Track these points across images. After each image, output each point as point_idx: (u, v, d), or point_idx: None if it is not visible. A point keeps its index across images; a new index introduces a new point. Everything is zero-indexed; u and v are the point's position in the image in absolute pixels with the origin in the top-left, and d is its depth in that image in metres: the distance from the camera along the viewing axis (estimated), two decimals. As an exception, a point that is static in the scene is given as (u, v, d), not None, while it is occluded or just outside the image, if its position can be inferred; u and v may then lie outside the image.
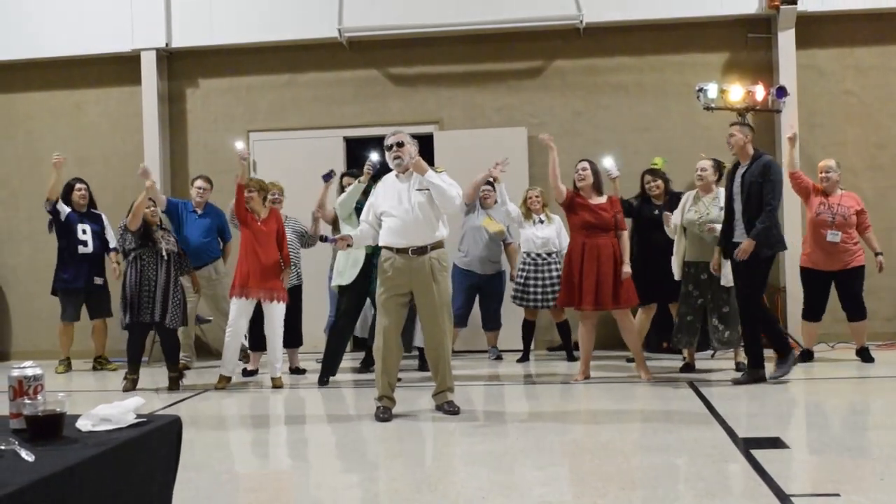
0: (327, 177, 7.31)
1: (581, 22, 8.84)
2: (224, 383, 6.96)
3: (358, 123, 9.32)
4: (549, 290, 7.71)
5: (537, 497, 3.66)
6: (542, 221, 7.91)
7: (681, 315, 6.86)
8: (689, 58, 9.01)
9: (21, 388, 2.43)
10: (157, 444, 2.53)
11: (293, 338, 7.57)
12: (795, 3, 8.56)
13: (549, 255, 7.83)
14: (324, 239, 5.86)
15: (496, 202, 8.14)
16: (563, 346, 8.21)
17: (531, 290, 7.82)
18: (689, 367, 7.05)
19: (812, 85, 8.83)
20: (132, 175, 9.26)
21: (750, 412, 5.42)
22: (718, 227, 6.57)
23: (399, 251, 5.44)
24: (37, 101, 9.78)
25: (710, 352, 7.52)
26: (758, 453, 4.18)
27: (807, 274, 7.40)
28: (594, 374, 6.92)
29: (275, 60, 9.45)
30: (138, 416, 2.54)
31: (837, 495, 3.47)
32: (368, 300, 7.07)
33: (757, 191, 6.18)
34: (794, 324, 8.41)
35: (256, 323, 7.14)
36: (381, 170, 6.28)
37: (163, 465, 2.57)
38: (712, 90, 7.73)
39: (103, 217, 8.56)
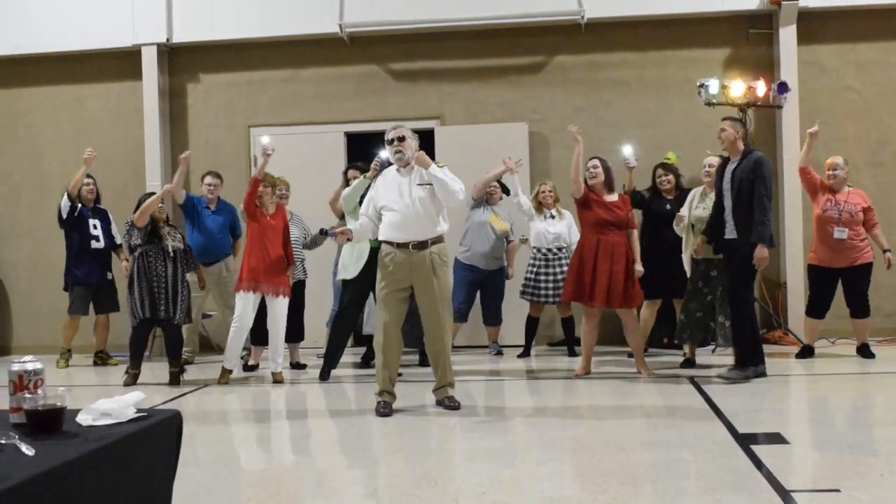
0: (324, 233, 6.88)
1: (583, 17, 8.82)
2: (226, 378, 6.97)
3: (359, 119, 9.31)
4: (560, 285, 7.71)
5: (538, 492, 3.67)
6: (553, 217, 7.90)
7: (689, 311, 6.85)
8: (690, 53, 8.99)
9: (21, 383, 2.43)
10: (158, 438, 2.53)
11: (295, 333, 7.58)
12: (797, 0, 8.55)
13: (560, 249, 7.82)
14: (324, 232, 5.86)
15: (501, 199, 8.16)
16: (564, 342, 8.21)
17: (542, 285, 7.81)
18: (689, 362, 7.06)
19: (813, 81, 8.81)
20: (133, 170, 9.32)
21: (750, 408, 5.42)
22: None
23: (399, 246, 5.44)
24: (37, 95, 9.78)
25: (710, 347, 7.53)
26: (758, 449, 4.19)
27: (814, 271, 7.38)
28: (595, 370, 6.93)
29: (276, 56, 9.44)
30: (139, 410, 2.54)
31: (837, 491, 3.47)
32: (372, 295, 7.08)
33: (748, 188, 6.14)
34: (795, 319, 8.42)
35: (258, 317, 7.14)
36: (389, 168, 6.27)
37: (163, 459, 2.57)
38: (714, 86, 7.73)
39: (108, 212, 8.58)
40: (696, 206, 6.88)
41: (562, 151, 8.96)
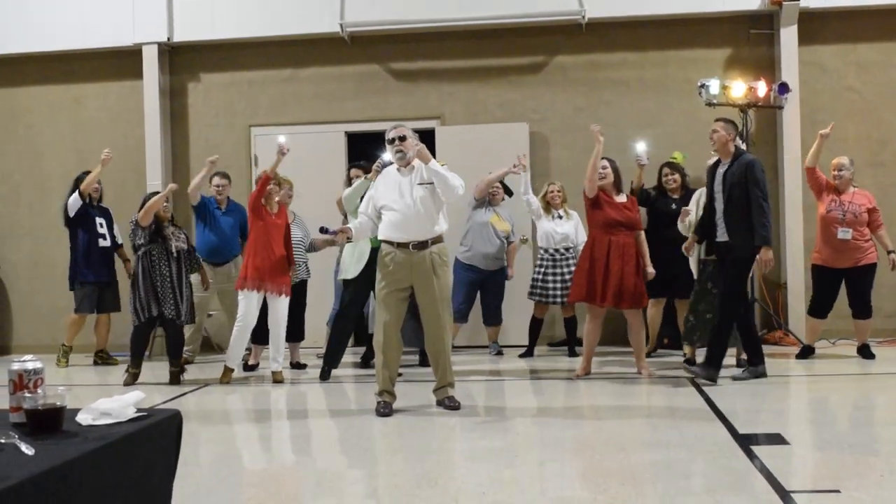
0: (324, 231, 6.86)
1: (583, 17, 8.82)
2: (228, 377, 6.97)
3: (359, 118, 9.31)
4: (567, 285, 7.71)
5: (537, 492, 3.66)
6: (560, 217, 7.90)
7: (698, 312, 6.84)
8: (691, 54, 8.99)
9: (21, 382, 2.43)
10: (158, 438, 2.52)
11: (295, 332, 7.58)
12: (798, 0, 8.54)
13: (567, 250, 7.81)
14: (323, 231, 5.85)
15: (504, 200, 8.15)
16: (565, 342, 8.20)
17: (550, 285, 7.79)
18: (690, 362, 7.05)
19: (814, 81, 8.81)
20: (133, 170, 9.32)
21: (751, 408, 5.42)
22: None
23: (400, 246, 5.43)
24: (36, 95, 9.77)
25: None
26: (758, 449, 4.18)
27: (817, 271, 7.37)
28: (596, 370, 6.93)
29: (276, 55, 9.44)
30: (139, 410, 2.53)
31: (838, 492, 3.47)
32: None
33: (739, 191, 6.12)
34: (796, 320, 8.43)
35: (259, 317, 7.14)
36: (389, 167, 6.26)
37: (163, 459, 2.57)
38: (714, 86, 7.72)
39: (110, 211, 8.59)
40: (702, 207, 6.88)
41: (562, 151, 8.96)
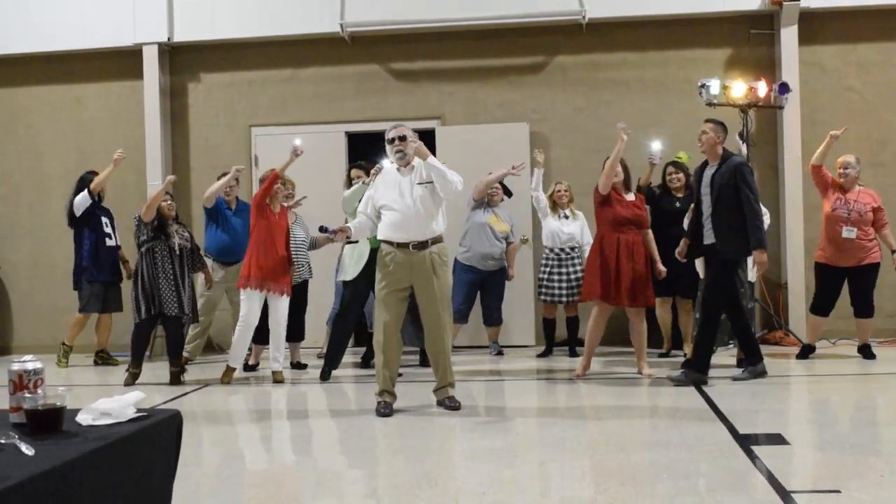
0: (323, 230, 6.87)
1: (583, 17, 8.82)
2: (229, 377, 6.96)
3: (360, 119, 9.30)
4: (573, 284, 7.71)
5: (537, 493, 3.66)
6: (567, 217, 7.89)
7: None
8: (691, 54, 8.99)
9: (21, 382, 2.43)
10: (158, 438, 2.52)
11: (295, 332, 7.58)
12: (798, 0, 8.54)
13: (573, 249, 7.81)
14: (323, 230, 5.85)
15: (503, 200, 8.15)
16: (566, 342, 8.19)
17: (555, 285, 7.80)
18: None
19: (814, 81, 8.81)
20: (133, 170, 9.31)
21: (751, 409, 5.42)
22: None
23: (400, 246, 5.43)
24: (37, 95, 9.77)
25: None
26: (759, 450, 4.18)
27: (820, 269, 7.37)
28: (596, 370, 6.92)
29: (276, 55, 9.44)
30: (139, 410, 2.53)
31: (838, 492, 3.47)
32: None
33: (728, 194, 6.11)
34: (796, 320, 8.43)
35: (260, 316, 7.14)
36: (389, 167, 6.25)
37: (163, 459, 2.56)
38: (715, 86, 7.72)
39: (111, 211, 8.59)
40: None
41: (562, 151, 8.96)
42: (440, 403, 5.60)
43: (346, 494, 3.81)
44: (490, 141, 8.73)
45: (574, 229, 7.85)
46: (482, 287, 8.10)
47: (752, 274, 6.67)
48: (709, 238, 6.27)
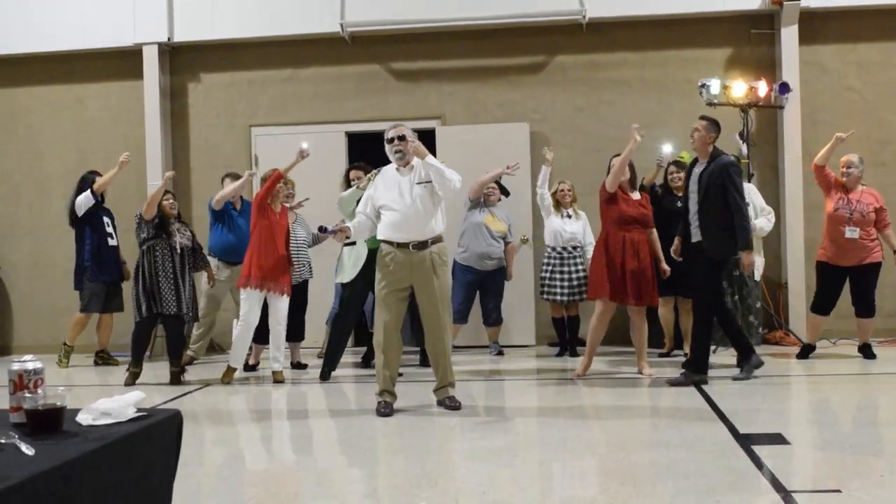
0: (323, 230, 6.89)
1: (584, 17, 8.82)
2: (230, 376, 6.96)
3: (360, 118, 9.30)
4: (575, 284, 7.71)
5: (537, 492, 3.66)
6: (569, 216, 7.90)
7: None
8: (691, 53, 8.99)
9: (21, 382, 2.43)
10: (158, 438, 2.52)
11: (296, 332, 7.58)
12: (798, 0, 8.54)
13: (575, 248, 7.82)
14: (322, 230, 5.85)
15: (500, 200, 8.15)
16: (567, 342, 8.18)
17: (557, 284, 7.80)
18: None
19: (815, 81, 8.81)
20: (134, 170, 9.28)
21: (751, 408, 5.41)
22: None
23: (399, 246, 5.43)
24: (38, 95, 9.78)
25: (711, 348, 7.51)
26: (759, 449, 4.18)
27: (822, 268, 7.36)
28: (596, 370, 6.92)
29: (276, 55, 9.44)
30: (139, 410, 2.53)
31: (839, 492, 3.47)
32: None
33: (715, 192, 6.11)
34: (796, 319, 8.42)
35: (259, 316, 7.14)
36: (388, 166, 6.24)
37: (163, 459, 2.56)
38: (715, 86, 7.73)
39: (111, 211, 8.59)
40: None
41: (562, 151, 8.95)
42: (440, 403, 5.60)
43: (346, 494, 3.80)
44: (490, 141, 8.74)
45: (576, 229, 7.85)
46: (481, 287, 8.10)
47: (758, 273, 6.66)
48: (695, 236, 6.27)
